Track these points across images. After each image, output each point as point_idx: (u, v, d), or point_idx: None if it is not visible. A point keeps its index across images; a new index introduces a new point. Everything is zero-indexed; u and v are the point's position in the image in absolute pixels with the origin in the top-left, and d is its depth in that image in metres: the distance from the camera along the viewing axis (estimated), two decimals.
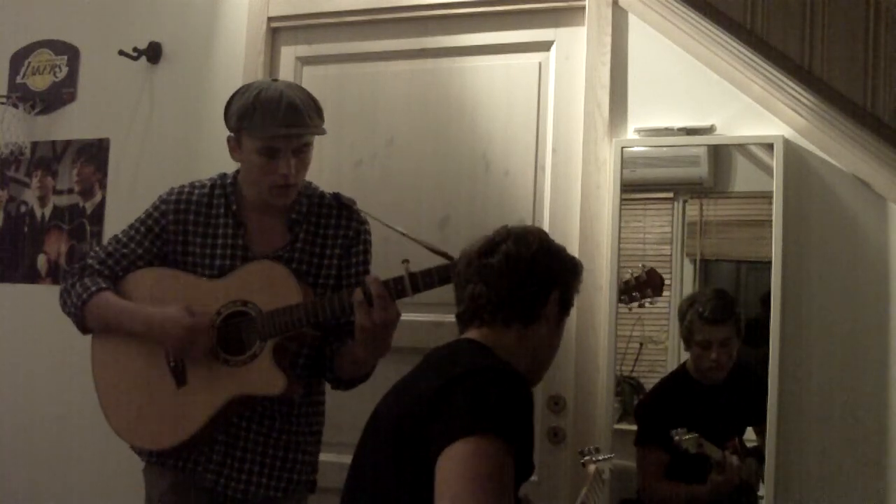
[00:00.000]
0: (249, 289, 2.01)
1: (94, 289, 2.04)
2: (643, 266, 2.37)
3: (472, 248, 1.61)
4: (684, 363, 2.42)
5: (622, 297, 2.35)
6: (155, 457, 2.08)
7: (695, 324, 2.34)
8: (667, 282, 2.43)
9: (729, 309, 2.35)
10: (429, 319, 2.44)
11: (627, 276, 2.36)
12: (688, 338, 2.37)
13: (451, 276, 1.76)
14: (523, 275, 1.57)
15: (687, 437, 2.20)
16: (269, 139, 1.97)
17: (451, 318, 1.66)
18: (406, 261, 1.90)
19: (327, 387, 2.19)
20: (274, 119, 1.96)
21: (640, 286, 2.35)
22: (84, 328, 2.10)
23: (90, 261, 2.11)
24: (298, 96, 2.00)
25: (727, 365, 2.36)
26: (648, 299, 2.35)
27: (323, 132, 2.05)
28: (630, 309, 2.36)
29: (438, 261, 1.93)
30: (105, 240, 2.95)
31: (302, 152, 2.02)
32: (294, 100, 1.98)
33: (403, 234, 2.07)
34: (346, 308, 1.94)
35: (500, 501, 1.28)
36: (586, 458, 1.86)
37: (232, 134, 2.06)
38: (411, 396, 1.46)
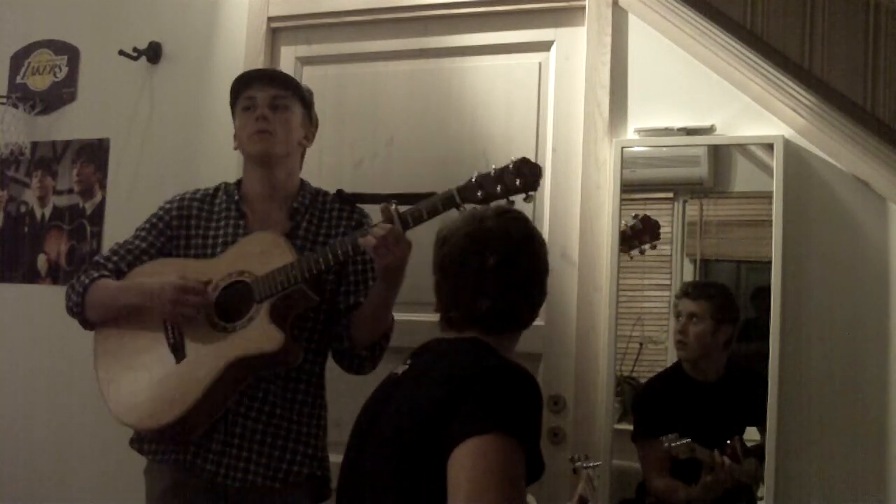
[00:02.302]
0: (245, 259, 2.04)
1: (95, 275, 2.09)
2: (636, 215, 2.40)
3: (467, 245, 1.59)
4: (679, 360, 2.42)
5: (621, 248, 2.37)
6: (159, 454, 2.06)
7: (678, 299, 2.39)
8: (667, 282, 2.44)
9: (709, 290, 2.39)
10: (428, 319, 2.43)
11: (623, 228, 2.38)
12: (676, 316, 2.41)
13: (439, 207, 1.86)
14: (534, 289, 1.61)
15: (677, 443, 2.20)
16: (246, 84, 2.14)
17: None
18: (394, 201, 1.92)
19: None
20: (251, 74, 2.20)
21: (637, 234, 2.39)
22: (85, 320, 2.11)
23: (96, 258, 2.18)
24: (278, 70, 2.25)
25: (692, 343, 2.37)
26: (648, 244, 2.39)
27: (299, 89, 2.17)
28: (631, 257, 2.39)
29: None
30: (105, 240, 2.96)
31: (279, 106, 2.13)
32: (273, 67, 2.20)
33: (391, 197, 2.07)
34: (339, 256, 1.96)
35: (515, 496, 1.29)
36: (577, 464, 1.90)
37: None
38: (420, 399, 1.45)
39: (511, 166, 1.85)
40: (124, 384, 2.07)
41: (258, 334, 1.97)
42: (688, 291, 2.40)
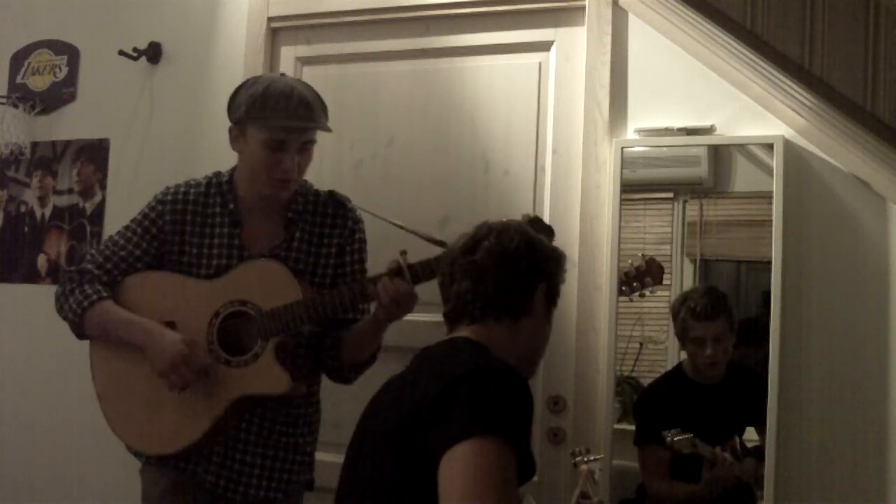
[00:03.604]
0: (247, 288, 2.01)
1: (94, 297, 2.03)
2: (642, 255, 2.38)
3: (455, 247, 1.63)
4: (680, 363, 2.42)
5: (623, 289, 2.36)
6: (154, 458, 2.08)
7: (688, 321, 2.34)
8: (667, 282, 2.44)
9: (721, 305, 2.35)
10: (429, 319, 2.44)
11: (627, 268, 2.36)
12: (682, 336, 2.37)
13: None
14: (507, 269, 1.58)
15: (679, 437, 2.20)
16: (279, 131, 1.98)
17: None
18: (403, 252, 1.92)
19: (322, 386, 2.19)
20: (286, 111, 1.97)
21: (639, 276, 2.36)
22: (81, 335, 2.09)
23: (88, 266, 2.09)
24: (308, 93, 2.04)
25: (723, 361, 2.36)
26: (649, 288, 2.36)
27: (330, 129, 2.08)
28: (631, 299, 2.36)
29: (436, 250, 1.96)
30: (105, 240, 2.95)
31: (306, 149, 2.04)
32: (305, 95, 2.01)
33: (398, 226, 2.08)
34: (347, 304, 1.96)
35: (506, 500, 1.29)
36: (578, 458, 1.90)
37: (234, 124, 2.06)
38: (411, 400, 1.45)
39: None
40: (124, 403, 2.06)
41: (265, 375, 1.97)
42: (703, 313, 2.32)
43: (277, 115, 1.97)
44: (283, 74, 2.07)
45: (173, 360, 1.93)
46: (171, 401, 2.00)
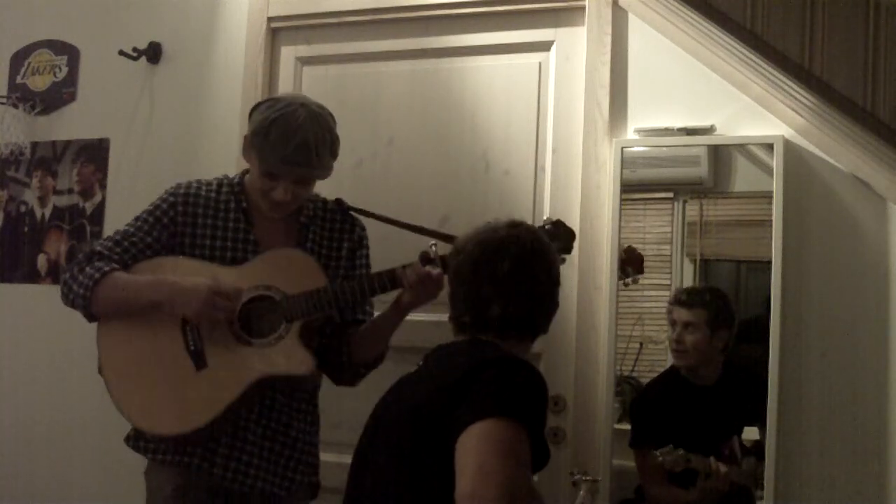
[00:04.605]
0: (270, 274, 2.02)
1: (106, 269, 2.00)
2: (620, 245, 2.38)
3: (479, 253, 1.64)
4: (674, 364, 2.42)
5: None
6: (160, 454, 2.04)
7: (670, 306, 2.39)
8: (667, 282, 2.44)
9: (701, 296, 2.38)
10: (429, 319, 2.44)
11: None
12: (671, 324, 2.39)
13: None
14: (545, 297, 1.67)
15: (671, 456, 2.19)
16: (271, 166, 2.00)
17: None
18: (434, 244, 2.00)
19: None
20: (281, 152, 1.97)
21: (621, 266, 2.37)
22: (90, 313, 2.04)
23: (98, 248, 2.06)
24: (315, 132, 2.00)
25: (690, 351, 2.36)
26: (630, 278, 2.37)
27: (325, 175, 2.07)
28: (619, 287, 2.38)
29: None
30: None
31: (302, 183, 2.05)
32: (308, 137, 1.98)
33: (404, 225, 2.11)
34: (376, 289, 2.01)
35: (523, 474, 1.34)
36: (576, 477, 1.94)
37: (247, 136, 2.06)
38: (430, 388, 1.50)
39: (548, 227, 1.93)
40: (136, 384, 2.01)
41: (289, 356, 1.98)
42: (681, 299, 2.39)
43: (273, 152, 1.98)
44: (303, 104, 2.02)
45: (207, 296, 1.94)
46: (188, 381, 1.98)
